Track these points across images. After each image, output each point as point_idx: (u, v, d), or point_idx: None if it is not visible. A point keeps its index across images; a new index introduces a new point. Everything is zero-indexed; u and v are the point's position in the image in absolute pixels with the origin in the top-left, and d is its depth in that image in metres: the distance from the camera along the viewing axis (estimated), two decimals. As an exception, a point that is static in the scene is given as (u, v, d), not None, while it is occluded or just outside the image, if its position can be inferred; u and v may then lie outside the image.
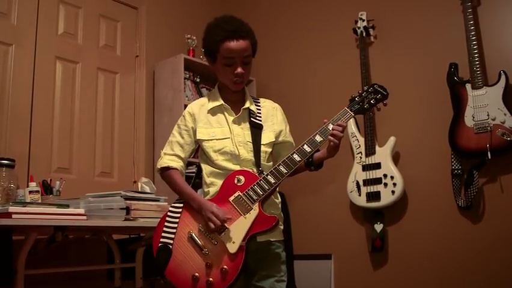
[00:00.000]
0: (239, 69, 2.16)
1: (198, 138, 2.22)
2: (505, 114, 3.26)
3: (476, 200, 3.43)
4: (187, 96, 4.15)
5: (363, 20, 4.03)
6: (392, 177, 3.63)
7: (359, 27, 4.03)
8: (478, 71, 3.37)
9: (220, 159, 2.17)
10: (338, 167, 3.93)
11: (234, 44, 2.12)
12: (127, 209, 2.78)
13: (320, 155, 2.19)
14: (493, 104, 3.31)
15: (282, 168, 2.07)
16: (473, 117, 3.35)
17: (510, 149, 3.24)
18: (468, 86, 3.42)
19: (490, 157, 3.25)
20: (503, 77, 3.33)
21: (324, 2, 4.47)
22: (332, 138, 2.09)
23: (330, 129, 2.11)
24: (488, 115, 3.30)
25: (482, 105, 3.34)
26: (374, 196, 3.68)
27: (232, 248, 2.00)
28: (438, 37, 3.76)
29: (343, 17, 4.23)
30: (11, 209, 2.36)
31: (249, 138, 2.21)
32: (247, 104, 2.26)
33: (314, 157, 2.19)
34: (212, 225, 2.02)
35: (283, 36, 4.68)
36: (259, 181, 2.07)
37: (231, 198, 2.07)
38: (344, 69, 4.20)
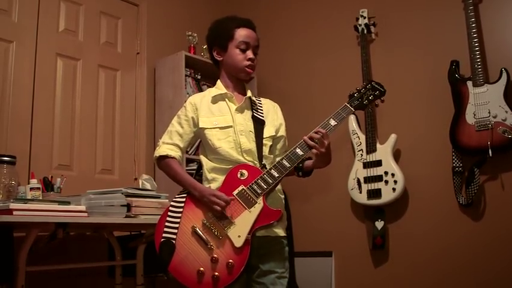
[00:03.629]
0: (252, 54, 2.25)
1: (200, 126, 2.23)
2: (506, 112, 3.25)
3: (477, 198, 3.43)
4: (188, 93, 4.15)
5: (364, 18, 4.02)
6: (392, 175, 3.63)
7: (360, 25, 4.03)
8: (479, 68, 3.37)
9: (224, 147, 2.18)
10: (339, 164, 3.93)
11: (249, 31, 2.28)
12: (128, 206, 2.77)
13: (309, 163, 2.21)
14: (494, 101, 3.30)
15: (285, 162, 2.09)
16: (474, 115, 3.35)
17: (511, 146, 3.23)
18: (469, 84, 3.41)
19: (491, 154, 3.24)
20: (504, 75, 3.32)
21: (325, 0, 4.46)
22: (313, 149, 2.09)
23: (332, 124, 2.13)
24: (489, 112, 3.30)
25: (484, 103, 3.33)
26: (374, 193, 3.67)
27: (238, 241, 2.00)
28: (440, 34, 3.76)
29: (344, 15, 4.23)
30: (12, 205, 2.36)
31: (251, 128, 2.23)
32: (248, 93, 2.30)
33: (304, 164, 2.21)
34: (218, 208, 2.02)
35: (284, 34, 4.68)
36: (263, 175, 2.08)
37: (235, 192, 2.07)
38: (345, 67, 4.19)
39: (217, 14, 2.47)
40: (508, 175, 3.37)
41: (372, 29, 4.03)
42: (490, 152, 3.24)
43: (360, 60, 3.95)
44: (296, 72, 4.55)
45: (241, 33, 2.24)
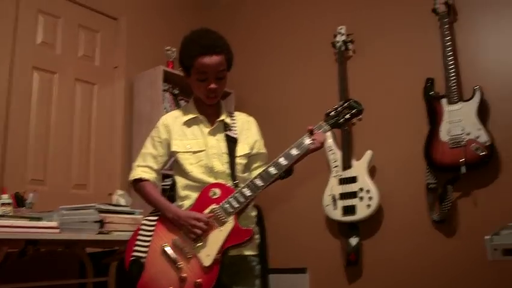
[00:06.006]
0: (212, 85, 2.17)
1: (173, 150, 2.22)
2: (479, 130, 3.29)
3: (450, 214, 3.45)
4: (165, 108, 4.14)
5: (342, 34, 4.05)
6: (367, 191, 3.64)
7: (337, 41, 4.06)
8: (453, 86, 3.41)
9: (195, 172, 2.17)
10: (314, 180, 3.94)
11: (207, 60, 2.13)
12: (101, 222, 2.76)
13: None
14: (468, 119, 3.34)
15: (258, 181, 2.07)
16: (448, 132, 3.38)
17: (483, 163, 3.27)
18: (444, 101, 3.45)
19: (464, 171, 3.28)
20: (477, 93, 3.36)
21: (303, 16, 4.50)
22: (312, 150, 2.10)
23: (306, 143, 2.10)
24: (462, 130, 3.33)
25: (457, 120, 3.37)
26: (349, 210, 3.68)
27: (207, 261, 2.00)
28: (416, 52, 3.80)
29: (322, 31, 4.26)
30: (-19, 222, 2.33)
31: (224, 149, 2.21)
32: (222, 117, 2.28)
33: None
34: (198, 231, 2.01)
35: (262, 50, 4.70)
36: (235, 194, 2.07)
37: (206, 211, 2.06)
38: (322, 83, 4.22)
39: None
40: (480, 192, 3.40)
41: (350, 45, 4.06)
42: (463, 169, 3.28)
43: (337, 76, 3.98)
44: (273, 88, 4.56)
45: (200, 63, 2.12)
